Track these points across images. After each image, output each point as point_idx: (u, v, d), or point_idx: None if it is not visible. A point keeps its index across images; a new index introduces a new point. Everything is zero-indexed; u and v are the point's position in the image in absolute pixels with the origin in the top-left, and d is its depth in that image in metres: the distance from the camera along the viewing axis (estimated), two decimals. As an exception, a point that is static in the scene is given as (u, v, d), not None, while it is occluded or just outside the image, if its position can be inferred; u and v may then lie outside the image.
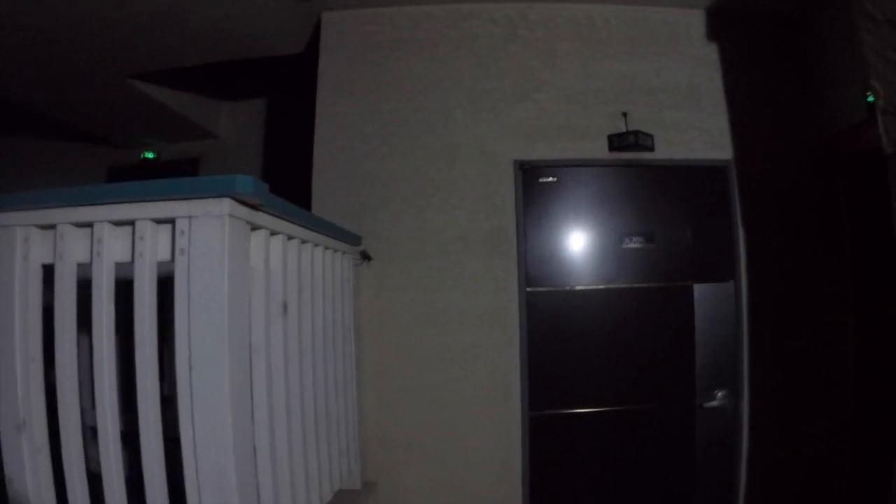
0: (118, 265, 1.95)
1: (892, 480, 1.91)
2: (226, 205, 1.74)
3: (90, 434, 2.08)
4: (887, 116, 1.77)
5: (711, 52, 4.02)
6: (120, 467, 1.93)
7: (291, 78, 4.94)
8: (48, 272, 2.01)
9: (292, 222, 2.35)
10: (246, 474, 1.85)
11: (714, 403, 3.82)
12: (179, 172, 5.84)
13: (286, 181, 2.93)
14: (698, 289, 3.86)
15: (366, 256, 3.45)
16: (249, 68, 4.96)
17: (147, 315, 1.86)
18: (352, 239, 3.37)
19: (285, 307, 2.34)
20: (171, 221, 1.82)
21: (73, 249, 1.97)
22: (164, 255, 1.86)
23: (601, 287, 3.85)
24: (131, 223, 1.88)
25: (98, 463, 1.96)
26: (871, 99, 1.80)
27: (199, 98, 5.85)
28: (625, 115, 3.84)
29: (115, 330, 1.95)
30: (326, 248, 2.90)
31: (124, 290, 1.96)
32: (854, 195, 3.80)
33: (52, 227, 1.98)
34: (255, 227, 2.02)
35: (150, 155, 6.47)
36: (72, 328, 1.97)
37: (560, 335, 3.83)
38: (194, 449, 1.77)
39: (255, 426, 2.04)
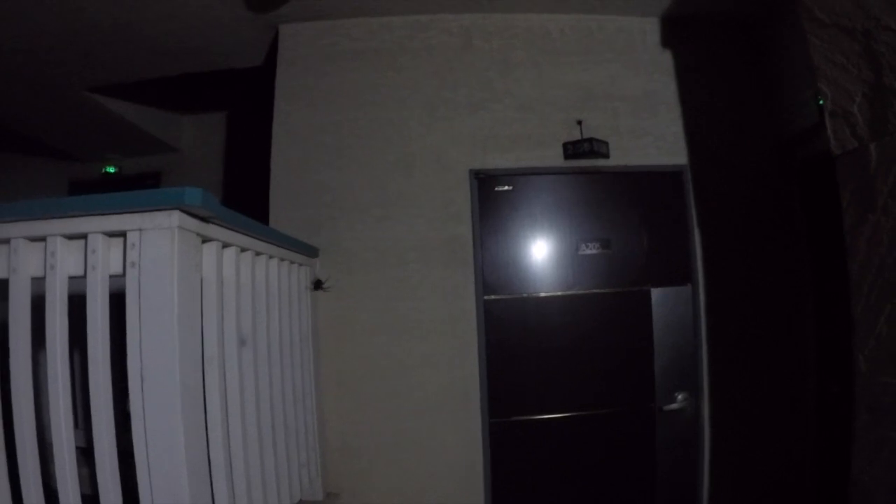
0: (73, 280, 1.94)
1: (849, 472, 1.95)
2: (175, 217, 1.76)
3: (49, 449, 2.07)
4: (835, 119, 1.83)
5: (666, 58, 4.09)
6: (76, 482, 1.92)
7: (251, 91, 4.95)
8: (3, 287, 2.01)
9: (245, 234, 2.37)
10: (200, 486, 1.85)
11: (674, 406, 3.87)
12: (141, 186, 5.80)
13: (247, 193, 2.96)
14: (656, 293, 3.91)
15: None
16: (210, 81, 4.96)
17: (100, 328, 1.86)
18: (308, 251, 3.39)
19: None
20: (123, 235, 1.83)
21: (26, 263, 1.96)
22: (117, 268, 1.86)
23: (559, 294, 3.88)
24: (84, 237, 1.88)
25: (55, 478, 1.96)
26: (822, 102, 1.85)
27: (159, 112, 5.85)
28: (580, 123, 3.88)
29: (72, 345, 1.95)
30: (282, 259, 2.91)
31: (81, 306, 1.96)
32: (809, 198, 3.87)
33: (7, 241, 1.97)
34: (206, 240, 2.04)
35: (111, 169, 6.44)
36: (26, 343, 1.95)
37: (519, 342, 3.86)
38: (147, 460, 1.77)
39: (210, 438, 2.05)
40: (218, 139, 6.19)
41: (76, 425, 2.04)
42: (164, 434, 1.76)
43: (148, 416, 1.76)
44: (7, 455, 2.00)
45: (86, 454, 1.98)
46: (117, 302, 1.88)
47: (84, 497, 1.96)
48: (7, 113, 5.32)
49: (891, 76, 1.62)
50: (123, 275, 1.83)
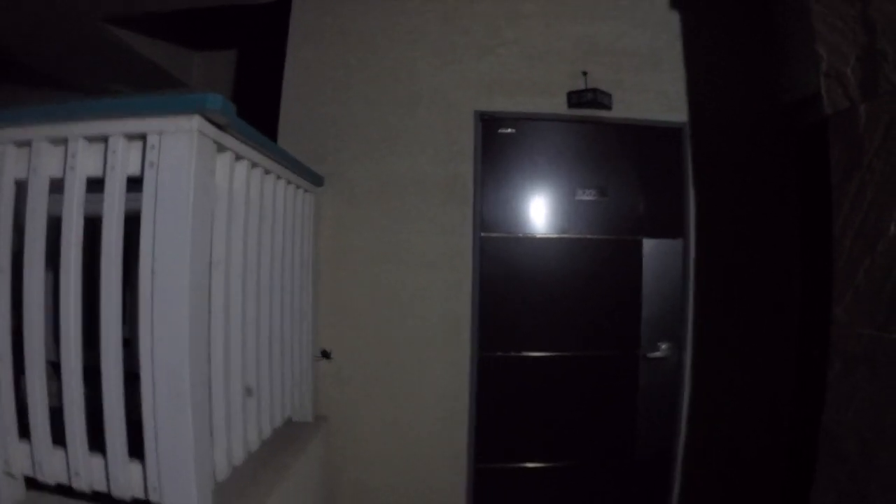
0: (89, 203, 2.04)
1: (820, 421, 2.04)
2: (195, 121, 1.84)
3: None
4: (829, 80, 1.90)
5: (673, 17, 4.10)
6: (79, 366, 2.05)
7: (263, 29, 4.97)
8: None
9: (257, 150, 2.46)
10: (199, 380, 1.95)
11: (658, 354, 4.00)
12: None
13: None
14: (647, 244, 4.01)
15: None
16: (223, 18, 4.97)
17: (115, 224, 1.96)
18: (314, 178, 3.48)
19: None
20: (143, 138, 1.91)
21: (46, 164, 2.06)
22: (135, 169, 1.95)
23: (553, 236, 3.98)
24: (104, 139, 1.97)
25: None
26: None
27: (172, 46, 5.84)
28: (585, 73, 3.93)
29: (82, 263, 2.05)
30: (289, 182, 3.00)
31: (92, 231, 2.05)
32: (807, 164, 3.93)
33: (28, 143, 2.07)
34: (221, 149, 2.13)
35: (121, 102, 6.45)
36: (41, 238, 2.06)
37: (512, 280, 3.97)
38: (151, 353, 1.87)
39: (212, 339, 2.15)
40: (228, 77, 6.20)
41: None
42: (170, 324, 1.86)
43: (156, 308, 1.86)
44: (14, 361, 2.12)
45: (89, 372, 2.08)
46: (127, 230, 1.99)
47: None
48: (24, 44, 5.32)
49: (883, 40, 1.69)
50: (141, 175, 1.91)
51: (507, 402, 4.00)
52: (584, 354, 4.01)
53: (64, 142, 2.03)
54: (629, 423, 4.05)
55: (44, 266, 2.08)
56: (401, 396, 3.92)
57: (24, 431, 2.15)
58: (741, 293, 4.00)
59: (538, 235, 4.00)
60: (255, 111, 3.81)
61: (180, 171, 1.85)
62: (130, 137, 1.96)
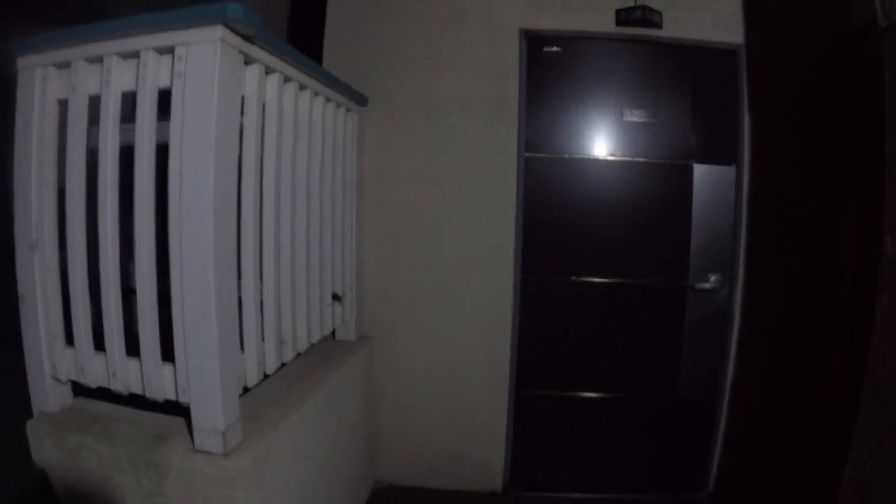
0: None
1: (866, 365, 2.00)
2: (218, 31, 1.88)
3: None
4: None
5: (733, -71, 3.92)
6: (117, 277, 2.16)
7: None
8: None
9: (291, 64, 2.48)
10: (225, 284, 2.01)
11: (706, 286, 3.93)
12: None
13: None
14: (699, 169, 3.91)
15: (336, 297, 3.44)
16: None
17: (147, 136, 2.04)
18: (357, 97, 3.49)
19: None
20: (172, 51, 1.98)
21: (84, 82, 2.17)
22: (165, 81, 2.02)
23: (600, 158, 3.91)
24: (137, 55, 2.05)
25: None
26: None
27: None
28: (634, -10, 3.82)
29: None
30: (329, 99, 3.02)
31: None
32: (870, 92, 3.78)
33: (67, 64, 2.18)
34: (249, 61, 2.17)
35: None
36: (81, 155, 2.17)
37: (556, 202, 3.93)
38: (180, 255, 1.97)
39: (241, 243, 2.23)
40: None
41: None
42: (197, 224, 1.93)
43: (183, 210, 1.95)
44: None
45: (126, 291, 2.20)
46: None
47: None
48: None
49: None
50: (171, 86, 1.98)
51: (549, 329, 4.01)
52: (629, 282, 3.97)
53: (99, 60, 2.12)
54: (674, 357, 4.01)
55: (84, 184, 2.19)
56: (443, 318, 3.97)
57: (71, 340, 2.28)
58: (796, 225, 3.81)
59: (584, 156, 3.93)
60: (302, 36, 3.83)
61: (205, 80, 1.90)
62: (160, 51, 2.02)
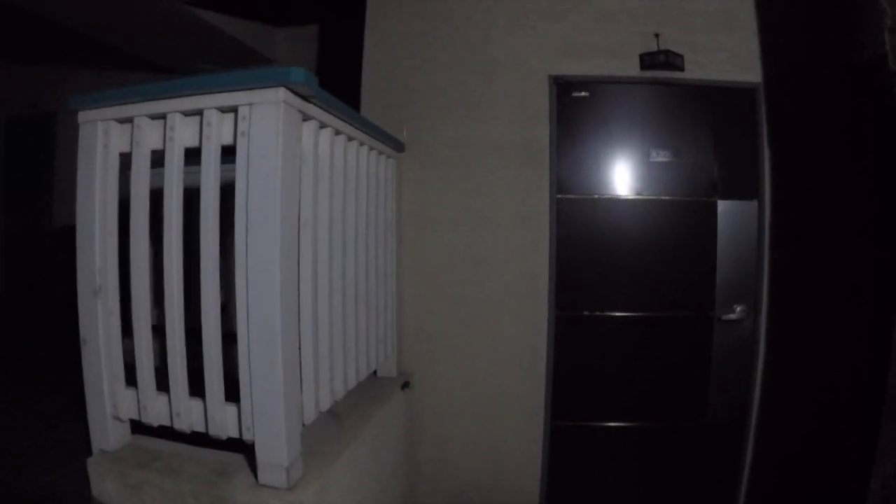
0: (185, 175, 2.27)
1: (886, 385, 2.08)
2: (281, 93, 2.02)
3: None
4: (894, 35, 1.94)
5: (747, -25, 4.06)
6: (181, 318, 2.28)
7: (343, 2, 5.10)
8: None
9: (340, 118, 2.62)
10: (289, 330, 2.14)
11: (732, 316, 4.01)
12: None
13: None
14: (722, 205, 4.01)
15: (405, 385, 3.56)
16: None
17: (212, 189, 2.18)
18: (395, 144, 3.64)
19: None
20: (234, 110, 2.12)
21: (147, 138, 2.31)
22: (227, 139, 2.17)
23: (629, 197, 4.03)
24: (199, 113, 2.19)
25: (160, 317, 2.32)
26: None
27: (254, 24, 6.06)
28: (657, 35, 3.93)
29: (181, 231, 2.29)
30: (371, 148, 3.16)
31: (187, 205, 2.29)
32: (884, 124, 3.86)
33: (130, 120, 2.32)
34: (306, 118, 2.30)
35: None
36: (145, 206, 2.31)
37: (587, 241, 4.05)
38: (247, 304, 2.08)
39: (301, 294, 2.34)
40: (311, 50, 6.40)
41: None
42: (264, 278, 2.05)
43: (250, 265, 2.07)
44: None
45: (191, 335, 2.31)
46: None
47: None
48: (106, 27, 5.58)
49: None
50: (234, 144, 2.12)
51: (582, 361, 4.10)
52: (658, 315, 4.07)
53: (162, 117, 2.26)
54: (702, 385, 4.09)
55: (148, 231, 2.33)
56: (479, 353, 4.07)
57: (130, 380, 2.41)
58: (818, 256, 3.95)
59: (613, 196, 4.05)
60: (338, 83, 3.97)
61: (269, 139, 2.03)
62: (223, 110, 2.16)
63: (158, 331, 2.34)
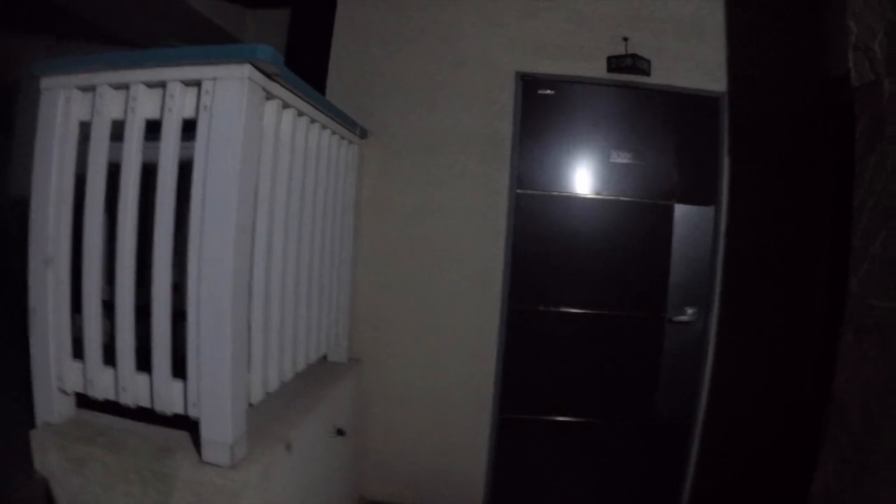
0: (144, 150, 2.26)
1: (830, 389, 2.13)
2: (246, 69, 2.02)
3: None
4: (857, 53, 1.97)
5: (719, -15, 4.10)
6: (132, 291, 2.27)
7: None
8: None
9: (304, 99, 2.62)
10: (240, 307, 2.14)
11: (683, 318, 4.07)
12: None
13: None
14: (679, 209, 4.07)
15: (340, 432, 3.40)
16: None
17: (170, 162, 2.16)
18: (359, 131, 3.65)
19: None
20: (198, 84, 2.10)
21: (109, 107, 2.29)
22: (189, 112, 2.15)
23: (587, 196, 4.07)
24: (163, 85, 2.17)
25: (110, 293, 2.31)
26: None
27: (225, 3, 5.98)
28: (625, 39, 3.96)
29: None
30: (334, 132, 3.17)
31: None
32: (845, 139, 3.90)
33: (92, 89, 2.29)
34: (270, 97, 2.29)
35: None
36: (102, 174, 2.28)
37: (544, 237, 4.08)
38: (198, 278, 2.08)
39: (253, 268, 2.35)
40: (280, 34, 6.32)
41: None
42: (216, 259, 2.06)
43: (204, 242, 2.07)
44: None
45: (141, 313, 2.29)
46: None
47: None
48: (81, 2, 5.48)
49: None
50: (195, 118, 2.11)
51: (533, 356, 4.14)
52: (610, 314, 4.11)
53: (125, 87, 2.24)
54: (651, 385, 4.16)
55: (103, 204, 2.30)
56: (431, 342, 4.10)
57: (77, 354, 2.38)
58: (771, 264, 4.02)
59: (572, 194, 4.08)
60: (306, 68, 3.95)
61: (231, 114, 2.03)
62: (186, 83, 2.15)
63: (110, 308, 2.31)
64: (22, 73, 2.41)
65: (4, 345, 2.72)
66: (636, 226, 4.09)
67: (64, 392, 2.42)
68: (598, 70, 4.00)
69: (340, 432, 3.17)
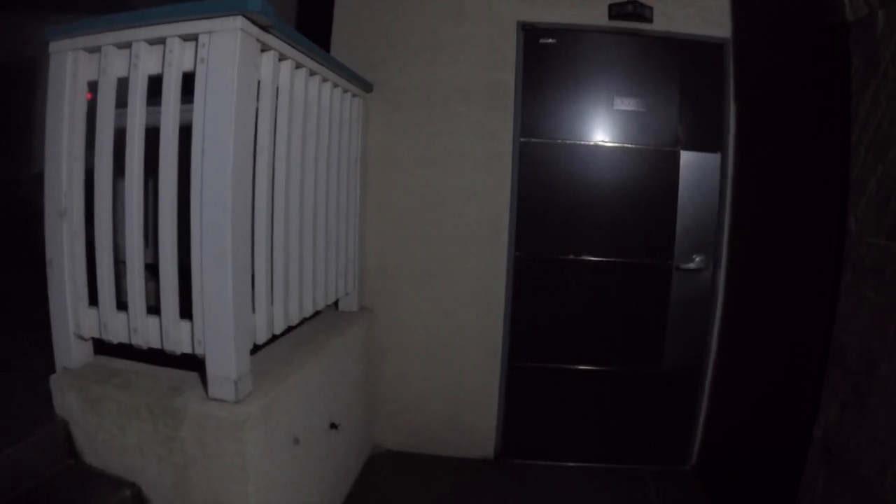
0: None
1: (831, 332, 2.17)
2: (238, 21, 2.11)
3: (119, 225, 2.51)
4: None
5: (722, -73, 4.06)
6: (140, 241, 2.42)
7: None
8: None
9: (302, 52, 2.70)
10: (240, 249, 2.25)
11: (691, 265, 4.10)
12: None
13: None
14: (685, 156, 4.07)
15: (333, 426, 3.34)
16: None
17: (172, 112, 2.27)
18: (363, 84, 3.72)
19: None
20: (195, 38, 2.20)
21: (114, 66, 2.39)
22: (189, 65, 2.25)
23: (591, 143, 4.07)
24: (163, 42, 2.27)
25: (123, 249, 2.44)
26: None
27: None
28: (627, -14, 3.97)
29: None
30: (336, 85, 3.25)
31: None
32: (846, 85, 3.86)
33: (98, 49, 2.40)
34: (265, 48, 2.39)
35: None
36: (109, 132, 2.41)
37: (549, 184, 4.10)
38: (200, 220, 2.20)
39: (255, 213, 2.45)
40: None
41: (146, 244, 2.47)
42: (216, 202, 2.17)
43: (204, 187, 2.18)
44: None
45: (152, 270, 2.43)
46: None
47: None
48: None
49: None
50: (194, 70, 2.21)
51: (541, 304, 4.20)
52: (617, 261, 4.14)
53: (128, 46, 2.34)
54: (659, 333, 4.19)
55: (112, 158, 2.42)
56: (441, 292, 4.18)
57: (93, 301, 2.52)
58: (777, 209, 3.93)
59: (576, 142, 4.08)
60: (316, 27, 4.02)
61: (226, 65, 2.13)
62: (185, 38, 2.25)
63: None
64: (38, 50, 2.49)
65: (34, 320, 2.85)
66: (642, 173, 4.10)
67: (81, 338, 2.55)
68: (599, 17, 4.00)
69: (333, 426, 3.24)
